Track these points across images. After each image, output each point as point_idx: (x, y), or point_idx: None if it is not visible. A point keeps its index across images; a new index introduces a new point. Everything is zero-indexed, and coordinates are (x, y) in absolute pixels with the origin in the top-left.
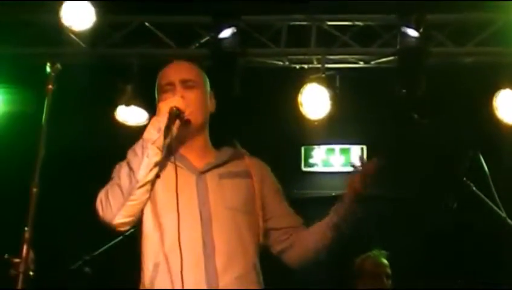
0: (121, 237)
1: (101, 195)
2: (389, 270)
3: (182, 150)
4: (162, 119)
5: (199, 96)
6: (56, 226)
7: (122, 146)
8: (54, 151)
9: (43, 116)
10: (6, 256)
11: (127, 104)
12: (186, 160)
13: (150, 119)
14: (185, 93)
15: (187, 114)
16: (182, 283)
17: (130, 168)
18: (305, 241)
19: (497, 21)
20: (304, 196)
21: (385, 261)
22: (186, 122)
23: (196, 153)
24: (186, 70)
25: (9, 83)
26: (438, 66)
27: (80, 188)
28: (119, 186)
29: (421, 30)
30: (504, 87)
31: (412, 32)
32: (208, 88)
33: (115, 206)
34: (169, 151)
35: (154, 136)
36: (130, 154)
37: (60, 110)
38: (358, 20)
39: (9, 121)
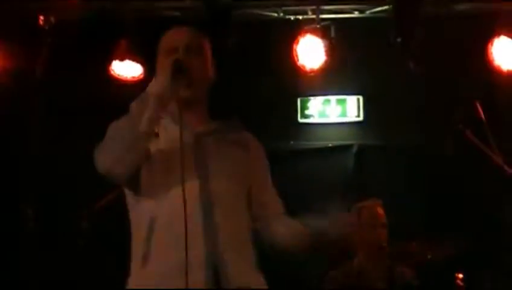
0: (118, 193)
1: (101, 145)
2: (384, 220)
3: (183, 113)
4: (166, 72)
5: (203, 62)
6: (55, 179)
7: (117, 99)
8: (51, 105)
9: (37, 70)
10: None
11: (122, 59)
12: (185, 122)
13: (144, 73)
14: (189, 59)
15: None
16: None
17: (132, 121)
18: (276, 233)
19: None
20: (301, 147)
21: (381, 210)
22: (189, 81)
23: (196, 117)
24: (190, 36)
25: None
26: (433, 14)
27: (77, 142)
28: (120, 136)
29: None
30: (500, 35)
31: None
32: (210, 56)
33: (114, 155)
34: (170, 112)
35: (158, 89)
36: (132, 108)
37: (54, 65)
38: None
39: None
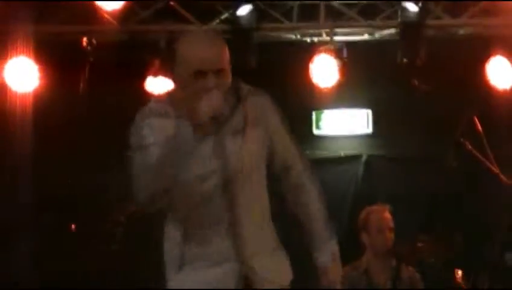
0: None
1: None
2: (391, 224)
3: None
4: (201, 119)
5: (228, 79)
6: (95, 179)
7: None
8: (92, 117)
9: (81, 86)
10: None
11: (155, 75)
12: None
13: None
14: (218, 80)
15: None
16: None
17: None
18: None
19: None
20: (315, 157)
21: (388, 215)
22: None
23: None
24: (218, 57)
25: (51, 58)
26: (436, 37)
27: (117, 148)
28: (150, 163)
29: (419, 4)
30: (495, 55)
31: (412, 7)
32: (229, 60)
33: (146, 187)
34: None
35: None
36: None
37: (95, 81)
38: None
39: (52, 92)
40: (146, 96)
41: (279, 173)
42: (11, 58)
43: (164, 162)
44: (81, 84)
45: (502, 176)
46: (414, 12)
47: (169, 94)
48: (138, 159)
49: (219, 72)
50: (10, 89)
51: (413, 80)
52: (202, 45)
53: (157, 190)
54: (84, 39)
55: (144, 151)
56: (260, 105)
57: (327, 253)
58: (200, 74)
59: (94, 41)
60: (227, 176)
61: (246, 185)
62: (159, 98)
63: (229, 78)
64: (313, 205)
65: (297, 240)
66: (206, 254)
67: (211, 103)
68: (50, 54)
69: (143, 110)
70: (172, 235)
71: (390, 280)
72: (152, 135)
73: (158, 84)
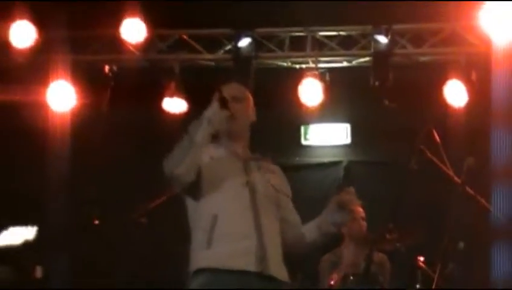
0: (168, 196)
1: (168, 155)
2: (363, 215)
3: (229, 141)
4: (214, 104)
5: (244, 107)
6: (119, 184)
7: (167, 128)
8: (116, 132)
9: (104, 106)
10: None
11: (171, 96)
12: (232, 150)
13: (188, 108)
14: (233, 104)
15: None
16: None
17: (190, 136)
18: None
19: (446, 28)
20: (303, 163)
21: (360, 207)
22: (231, 115)
23: (241, 147)
24: (237, 90)
25: (82, 82)
26: (402, 64)
27: (138, 157)
28: (181, 147)
29: (388, 37)
30: (451, 78)
31: (382, 39)
32: (251, 104)
33: (176, 160)
34: (223, 145)
35: (209, 113)
36: (191, 126)
37: (117, 102)
38: (342, 31)
39: (82, 111)
40: (163, 115)
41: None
42: (51, 82)
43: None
44: (104, 105)
45: (454, 177)
46: (384, 44)
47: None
48: (185, 143)
49: (235, 97)
50: (51, 109)
51: (384, 99)
52: (230, 84)
53: (189, 166)
54: (106, 67)
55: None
56: (282, 175)
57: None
58: (223, 98)
59: (115, 68)
60: (255, 194)
61: (267, 206)
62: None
63: (247, 107)
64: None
65: None
66: (230, 232)
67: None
68: (84, 79)
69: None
70: (201, 224)
71: (364, 261)
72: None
73: (173, 104)
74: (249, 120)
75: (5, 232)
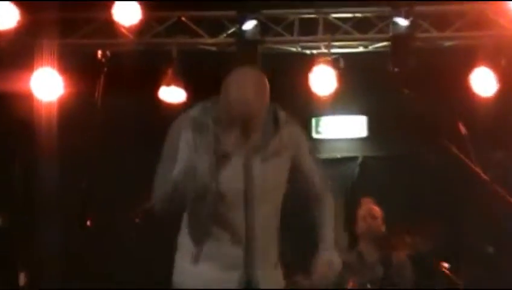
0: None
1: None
2: (375, 213)
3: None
4: (212, 163)
5: (263, 114)
6: (112, 182)
7: (163, 119)
8: (108, 124)
9: (97, 95)
10: None
11: (168, 85)
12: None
13: (187, 97)
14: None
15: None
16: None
17: (176, 185)
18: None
19: (472, 10)
20: None
21: (372, 205)
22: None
23: (250, 135)
24: (258, 108)
25: (73, 68)
26: (424, 49)
27: (132, 152)
28: (164, 192)
29: (409, 19)
30: (478, 65)
31: (402, 22)
32: (268, 95)
33: (161, 203)
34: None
35: (203, 176)
36: (179, 176)
37: (110, 90)
38: (357, 12)
39: (71, 100)
40: (159, 105)
41: (303, 186)
42: (36, 69)
43: (177, 189)
44: (96, 94)
45: (481, 174)
46: (404, 27)
47: (213, 103)
48: (161, 173)
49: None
50: (36, 98)
51: (404, 87)
52: (244, 98)
53: (171, 208)
54: (99, 52)
55: (169, 166)
56: (294, 135)
57: (325, 259)
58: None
59: (108, 53)
60: (250, 194)
61: (264, 204)
62: (201, 108)
63: (264, 112)
64: (325, 215)
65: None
66: (219, 256)
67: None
68: (73, 65)
69: (186, 115)
70: (190, 231)
71: (381, 262)
72: (183, 152)
73: (171, 94)
74: (265, 109)
75: None
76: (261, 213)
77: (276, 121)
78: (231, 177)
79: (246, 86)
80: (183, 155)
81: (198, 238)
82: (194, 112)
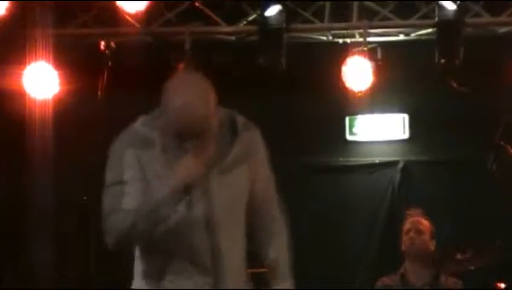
0: None
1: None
2: (427, 227)
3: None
4: (176, 184)
5: (215, 122)
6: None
7: None
8: (112, 125)
9: (99, 91)
10: None
11: None
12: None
13: None
14: (199, 142)
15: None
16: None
17: (157, 208)
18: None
19: None
20: (349, 164)
21: (418, 218)
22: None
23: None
24: (202, 121)
25: (70, 62)
26: (475, 36)
27: None
28: (145, 215)
29: (458, 2)
30: None
31: (450, 5)
32: (214, 101)
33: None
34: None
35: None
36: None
37: (114, 84)
38: None
39: (68, 99)
40: None
41: (257, 207)
42: (29, 64)
43: (136, 227)
44: (99, 90)
45: None
46: (452, 11)
47: (155, 118)
48: (108, 200)
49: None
50: (29, 96)
51: (452, 81)
52: (186, 109)
53: (128, 242)
54: (102, 42)
55: (118, 194)
56: (252, 141)
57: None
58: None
59: (113, 44)
60: (211, 212)
61: (228, 219)
62: (146, 120)
63: (216, 121)
64: (283, 246)
65: None
66: (184, 287)
67: (187, 171)
68: (70, 59)
69: (128, 132)
70: (144, 268)
71: (428, 285)
72: (129, 176)
73: None
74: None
75: None
76: (226, 230)
77: (233, 129)
78: (188, 202)
79: (188, 92)
80: (131, 180)
81: (154, 274)
82: (137, 125)
